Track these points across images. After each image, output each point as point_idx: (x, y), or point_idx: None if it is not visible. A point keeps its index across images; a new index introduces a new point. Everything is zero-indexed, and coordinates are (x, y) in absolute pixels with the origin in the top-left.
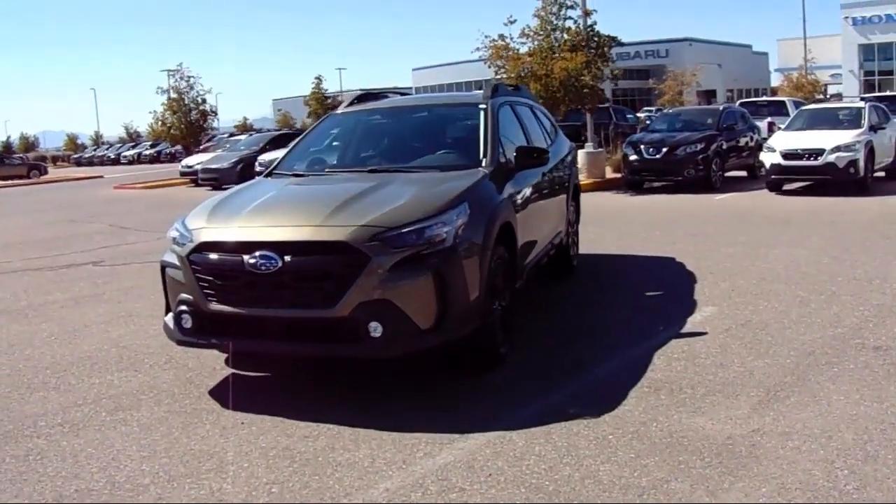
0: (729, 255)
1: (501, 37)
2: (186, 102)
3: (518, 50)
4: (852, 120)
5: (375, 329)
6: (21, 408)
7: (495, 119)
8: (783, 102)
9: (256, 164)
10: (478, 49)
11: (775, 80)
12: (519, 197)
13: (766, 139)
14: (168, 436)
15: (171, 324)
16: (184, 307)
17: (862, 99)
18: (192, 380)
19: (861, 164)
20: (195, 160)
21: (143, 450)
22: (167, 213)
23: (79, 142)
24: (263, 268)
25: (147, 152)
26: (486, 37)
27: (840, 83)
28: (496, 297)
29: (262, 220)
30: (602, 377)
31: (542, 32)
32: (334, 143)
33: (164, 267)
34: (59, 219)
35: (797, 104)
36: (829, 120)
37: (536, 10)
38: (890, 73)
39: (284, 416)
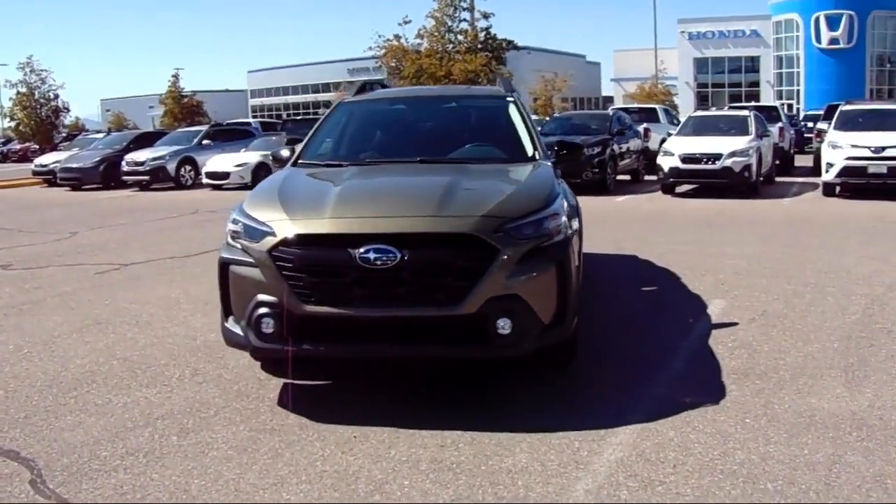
0: (685, 253)
1: (397, 37)
2: (37, 97)
3: (414, 50)
4: (739, 127)
5: (504, 326)
6: (59, 436)
7: (528, 112)
8: (654, 109)
9: (123, 163)
10: (370, 49)
11: (609, 90)
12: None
13: (647, 145)
14: (279, 458)
15: (238, 330)
16: (265, 310)
17: (745, 108)
18: (245, 392)
19: (754, 168)
20: (50, 159)
21: (266, 477)
22: (42, 214)
23: None
24: (379, 262)
25: None
26: (380, 36)
27: (676, 94)
28: None
29: (361, 209)
30: (681, 368)
31: (436, 34)
32: (360, 133)
33: (226, 264)
34: None
35: (666, 112)
36: (718, 127)
37: (431, 11)
38: (721, 85)
39: (392, 425)
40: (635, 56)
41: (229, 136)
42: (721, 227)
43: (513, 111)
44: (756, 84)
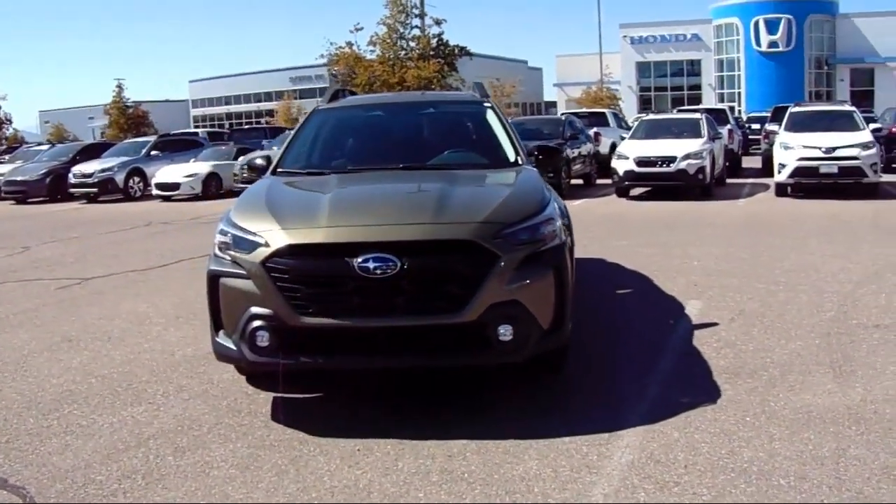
0: (651, 255)
1: (349, 44)
2: None
3: (366, 58)
4: (691, 130)
5: (505, 333)
6: (48, 460)
7: (506, 117)
8: (604, 114)
9: (70, 175)
10: (322, 56)
11: (551, 95)
12: None
13: (598, 149)
14: (284, 475)
15: (230, 344)
16: (259, 323)
17: (697, 111)
18: (235, 407)
19: (707, 170)
20: None
21: (274, 495)
22: None
23: None
24: (379, 272)
25: None
26: (331, 44)
27: (622, 98)
28: None
29: (356, 218)
30: (671, 369)
31: (388, 41)
32: (339, 141)
33: (215, 277)
34: None
35: (615, 116)
36: (670, 130)
37: (383, 18)
38: (664, 88)
39: (394, 436)
40: (578, 61)
41: (178, 146)
42: (681, 228)
43: (491, 116)
44: (698, 87)
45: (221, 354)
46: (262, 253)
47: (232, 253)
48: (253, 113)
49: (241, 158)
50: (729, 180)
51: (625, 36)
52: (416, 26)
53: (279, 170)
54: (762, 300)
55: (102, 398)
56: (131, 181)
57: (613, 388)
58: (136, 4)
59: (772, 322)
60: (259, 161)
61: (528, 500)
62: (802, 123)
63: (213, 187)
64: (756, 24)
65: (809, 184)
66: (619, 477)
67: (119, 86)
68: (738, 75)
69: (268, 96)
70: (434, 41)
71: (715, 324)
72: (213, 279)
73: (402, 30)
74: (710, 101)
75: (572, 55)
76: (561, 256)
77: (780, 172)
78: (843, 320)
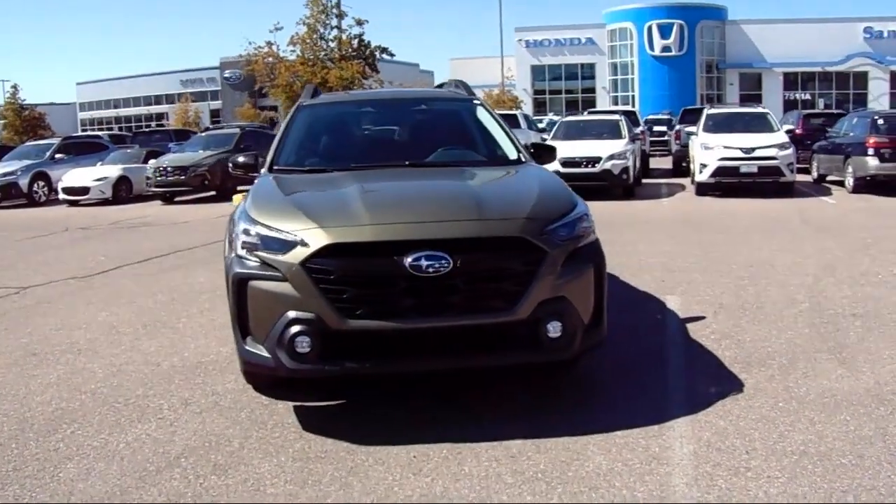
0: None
1: (269, 44)
2: None
3: (287, 58)
4: (611, 131)
5: (555, 329)
6: (74, 487)
7: (496, 114)
8: (515, 116)
9: None
10: (240, 56)
11: None
12: None
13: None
14: (350, 488)
15: (262, 351)
16: (299, 328)
17: (615, 112)
18: (258, 419)
19: (631, 170)
20: None
21: None
22: None
23: None
24: (431, 270)
25: None
26: (250, 44)
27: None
28: None
29: (398, 215)
30: (683, 362)
31: (309, 41)
32: (334, 138)
33: (243, 280)
34: None
35: (526, 118)
36: (591, 131)
37: (303, 18)
38: (558, 91)
39: (440, 440)
40: (472, 64)
41: (82, 149)
42: (620, 227)
43: (482, 113)
44: (592, 90)
45: (251, 364)
46: (301, 253)
47: (261, 254)
48: (143, 116)
49: (151, 162)
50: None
51: (520, 39)
52: (336, 27)
53: (275, 167)
54: (735, 294)
55: (103, 416)
56: (35, 185)
57: (637, 382)
58: (17, 3)
59: (755, 314)
60: (242, 159)
61: (616, 497)
62: (720, 125)
63: (123, 191)
64: (649, 28)
65: (729, 183)
66: (691, 466)
67: (14, 86)
68: (632, 79)
69: (158, 99)
70: (355, 42)
71: (702, 317)
72: (241, 283)
73: (322, 30)
74: (604, 103)
75: (467, 58)
76: (599, 252)
77: (701, 172)
78: (820, 311)
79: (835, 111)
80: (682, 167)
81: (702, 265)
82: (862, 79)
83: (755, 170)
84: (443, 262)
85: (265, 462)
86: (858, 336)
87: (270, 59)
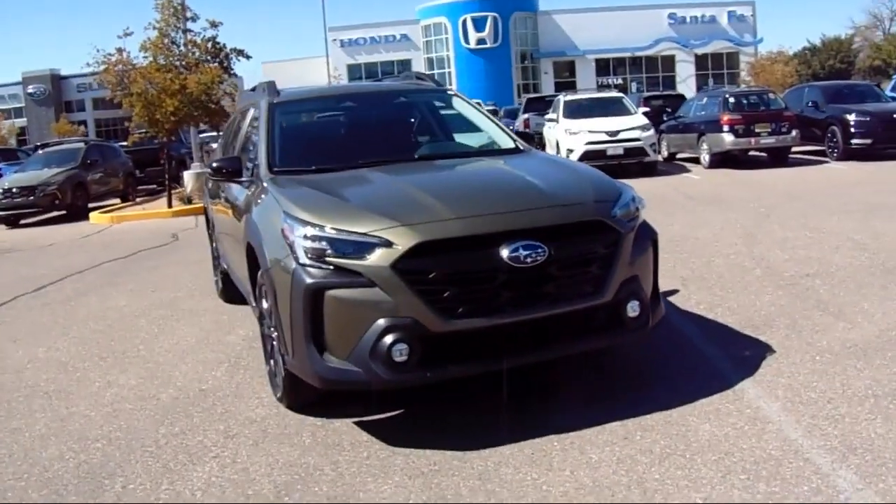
0: None
1: (119, 50)
2: None
3: (140, 64)
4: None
5: (634, 308)
6: None
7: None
8: None
9: None
10: (88, 65)
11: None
12: None
13: None
14: (493, 495)
15: (349, 366)
16: (396, 335)
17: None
18: (329, 442)
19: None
20: None
21: None
22: None
23: None
24: (529, 260)
25: None
26: (98, 51)
27: None
28: None
29: (477, 207)
30: (690, 331)
31: (161, 45)
32: (324, 135)
33: (319, 290)
34: None
35: None
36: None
37: (153, 22)
38: None
39: (532, 436)
40: (286, 67)
41: None
42: None
43: (459, 103)
44: None
45: (335, 380)
46: (389, 254)
47: (335, 260)
48: None
49: None
50: None
51: (334, 39)
52: (189, 30)
53: (275, 169)
54: (686, 267)
55: (144, 464)
56: None
57: (673, 355)
58: None
59: (720, 284)
60: (228, 164)
61: (748, 458)
62: (580, 110)
63: None
64: (464, 22)
65: (597, 166)
66: (793, 420)
67: None
68: (449, 72)
69: None
70: (209, 44)
71: (675, 290)
72: (317, 293)
73: (173, 34)
74: None
75: (280, 61)
76: (652, 229)
77: (568, 157)
78: (776, 275)
79: (672, 93)
80: None
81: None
82: (669, 62)
83: (621, 152)
84: (539, 250)
85: (383, 484)
86: (829, 294)
87: (121, 66)
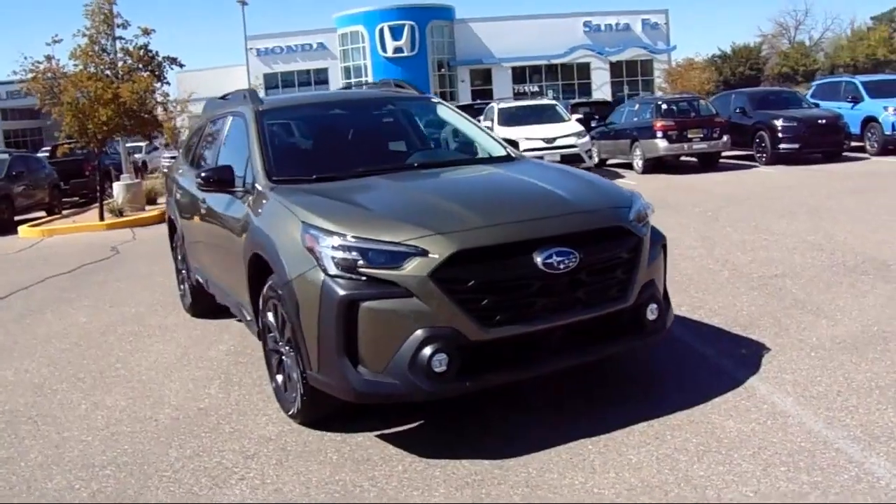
0: None
1: (48, 58)
2: None
3: (70, 72)
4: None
5: (653, 311)
6: None
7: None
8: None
9: None
10: (15, 73)
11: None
12: None
13: None
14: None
15: (391, 378)
16: (435, 345)
17: None
18: (358, 458)
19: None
20: None
21: None
22: None
23: None
24: (562, 266)
25: None
26: (26, 58)
27: None
28: None
29: (505, 214)
30: (693, 333)
31: (91, 53)
32: (319, 143)
33: (353, 302)
34: None
35: None
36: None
37: (85, 28)
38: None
39: (572, 438)
40: (201, 76)
41: None
42: None
43: (450, 111)
44: None
45: (369, 394)
46: (427, 264)
47: (368, 270)
48: None
49: None
50: None
51: (251, 48)
52: (120, 37)
53: (274, 178)
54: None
55: (166, 490)
56: None
57: (672, 358)
58: None
59: (694, 285)
60: (220, 174)
61: (782, 451)
62: (514, 118)
63: None
64: (381, 31)
65: None
66: (812, 412)
67: None
68: (366, 81)
69: None
70: (141, 52)
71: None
72: (351, 305)
73: (104, 41)
74: None
75: (195, 70)
76: (661, 234)
77: None
78: (745, 277)
79: (600, 100)
80: None
81: None
82: (585, 69)
83: (558, 158)
84: (571, 257)
85: (430, 497)
86: (803, 293)
87: (50, 74)
